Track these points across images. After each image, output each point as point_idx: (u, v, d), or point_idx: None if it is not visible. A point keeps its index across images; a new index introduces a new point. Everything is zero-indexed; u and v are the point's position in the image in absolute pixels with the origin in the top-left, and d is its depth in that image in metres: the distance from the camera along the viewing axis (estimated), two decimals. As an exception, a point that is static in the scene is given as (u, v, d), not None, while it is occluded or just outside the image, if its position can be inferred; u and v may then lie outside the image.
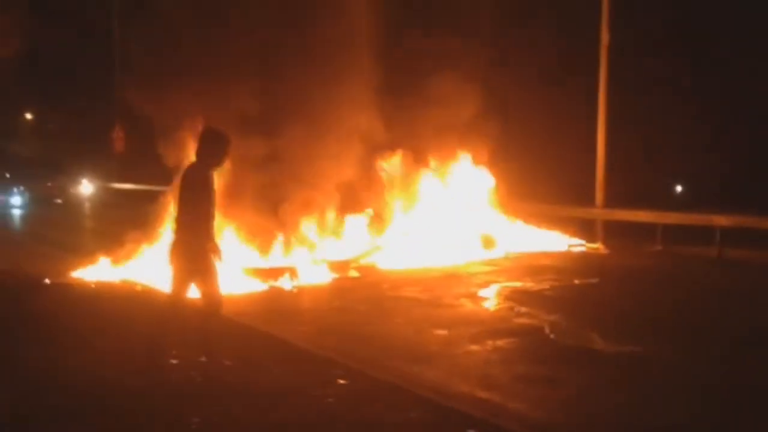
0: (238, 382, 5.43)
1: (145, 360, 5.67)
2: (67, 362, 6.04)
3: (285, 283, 11.17)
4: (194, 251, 5.62)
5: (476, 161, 16.63)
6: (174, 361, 6.04)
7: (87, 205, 33.08)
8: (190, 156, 5.98)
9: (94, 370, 5.83)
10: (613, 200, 17.07)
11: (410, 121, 15.84)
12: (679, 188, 48.18)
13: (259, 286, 11.02)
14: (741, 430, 5.05)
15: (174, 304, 5.80)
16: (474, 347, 7.44)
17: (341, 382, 5.60)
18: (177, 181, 5.93)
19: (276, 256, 12.77)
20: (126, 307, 8.41)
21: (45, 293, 9.26)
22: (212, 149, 5.67)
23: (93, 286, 9.90)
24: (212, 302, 5.74)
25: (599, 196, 16.73)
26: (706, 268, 13.44)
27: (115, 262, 11.74)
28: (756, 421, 5.23)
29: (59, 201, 32.81)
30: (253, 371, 5.65)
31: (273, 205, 12.88)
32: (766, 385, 6.13)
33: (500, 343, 7.59)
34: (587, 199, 17.44)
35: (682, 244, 15.32)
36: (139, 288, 9.74)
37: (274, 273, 11.49)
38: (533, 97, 20.79)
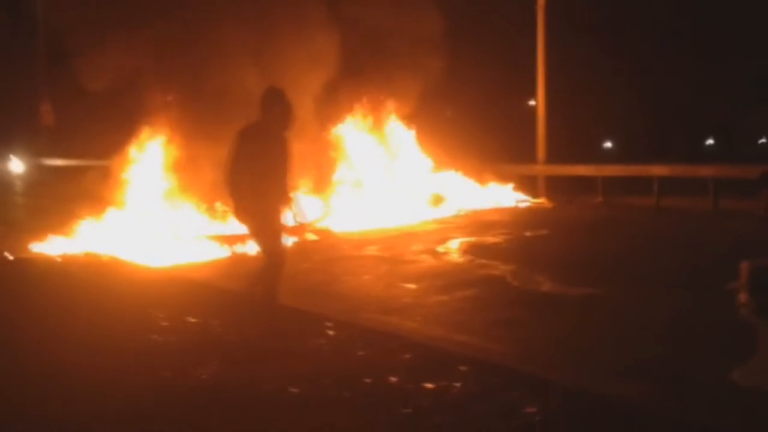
0: (235, 340, 5.64)
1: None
2: (65, 334, 6.15)
3: (247, 249, 11.37)
4: (269, 209, 5.65)
5: (422, 123, 17.01)
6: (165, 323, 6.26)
7: (18, 182, 32.18)
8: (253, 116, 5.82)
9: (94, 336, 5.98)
10: (552, 158, 17.75)
11: (355, 85, 16.12)
12: (608, 144, 49.86)
13: (221, 252, 11.21)
14: (687, 360, 5.53)
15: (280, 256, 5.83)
16: (443, 298, 7.83)
17: (331, 333, 5.91)
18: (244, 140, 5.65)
19: (234, 223, 12.95)
20: (102, 277, 8.50)
21: (13, 269, 9.23)
22: (280, 110, 5.64)
23: (59, 260, 9.90)
24: (279, 259, 5.83)
25: (541, 153, 17.38)
26: (645, 216, 14.21)
27: (71, 235, 11.74)
28: (698, 353, 5.73)
29: None
30: (249, 329, 5.86)
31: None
32: (707, 319, 6.68)
33: (467, 292, 8.01)
34: (529, 158, 18.08)
35: (621, 195, 16.10)
36: (105, 259, 9.80)
37: (235, 239, 11.66)
38: (475, 59, 21.22)
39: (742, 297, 4.84)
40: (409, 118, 16.93)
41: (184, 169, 13.64)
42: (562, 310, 7.18)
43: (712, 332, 6.11)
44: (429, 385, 4.62)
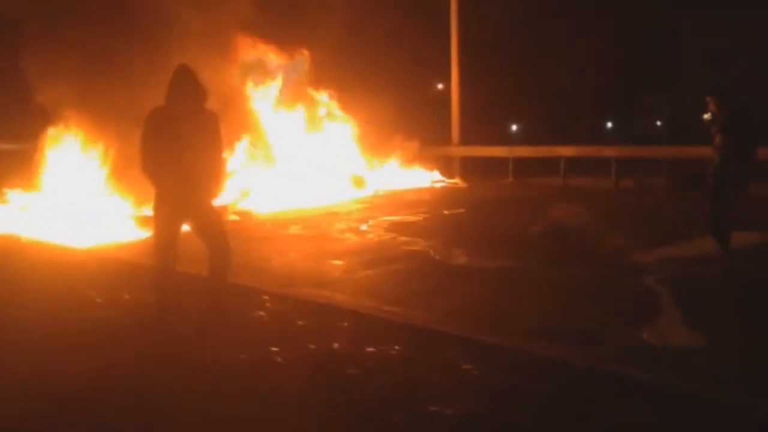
0: (174, 314, 5.79)
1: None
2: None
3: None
4: (195, 197, 5.44)
5: (339, 104, 17.24)
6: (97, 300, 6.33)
7: None
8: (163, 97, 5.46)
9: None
10: (463, 140, 18.34)
11: (271, 65, 16.18)
12: (514, 127, 51.49)
13: (142, 233, 11.16)
14: (598, 323, 6.08)
15: (165, 257, 5.57)
16: (370, 272, 8.15)
17: (269, 305, 6.14)
18: (157, 124, 5.37)
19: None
20: (27, 258, 8.41)
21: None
22: (198, 89, 5.42)
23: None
24: (223, 251, 5.68)
25: (455, 134, 17.93)
26: (553, 194, 14.93)
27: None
28: (607, 316, 6.29)
29: None
30: (188, 305, 6.00)
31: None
32: (613, 287, 7.30)
33: (392, 267, 8.36)
34: (438, 139, 18.62)
35: (531, 176, 16.85)
36: (24, 240, 9.64)
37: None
38: (392, 41, 21.56)
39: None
40: (326, 99, 17.14)
41: (99, 151, 13.44)
42: (480, 280, 7.60)
43: (618, 297, 6.70)
44: (370, 349, 4.96)
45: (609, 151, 15.32)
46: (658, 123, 56.23)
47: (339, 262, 8.72)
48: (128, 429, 3.90)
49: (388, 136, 18.27)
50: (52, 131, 13.47)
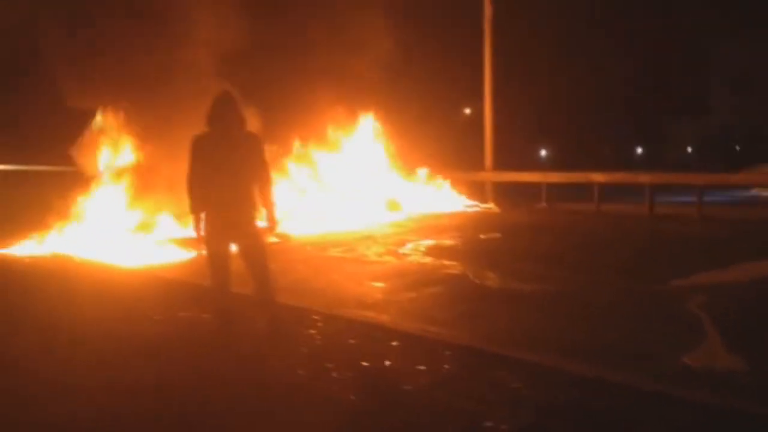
0: (234, 336, 5.99)
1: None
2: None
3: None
4: (241, 219, 5.58)
5: (374, 130, 17.54)
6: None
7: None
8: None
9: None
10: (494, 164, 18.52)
11: (308, 92, 16.53)
12: (543, 152, 51.59)
13: (183, 254, 11.46)
14: (640, 345, 6.21)
15: (222, 293, 5.71)
16: (412, 294, 8.32)
17: (320, 324, 6.36)
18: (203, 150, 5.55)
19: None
20: (81, 276, 8.73)
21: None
22: (238, 113, 5.59)
23: (27, 260, 10.04)
24: (263, 273, 5.77)
25: (488, 160, 18.12)
26: (588, 220, 15.07)
27: (31, 239, 11.86)
28: (648, 339, 6.42)
29: None
30: (243, 324, 6.22)
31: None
32: (654, 310, 7.42)
33: (433, 289, 8.54)
34: (472, 165, 18.83)
35: (564, 201, 16.97)
36: (77, 260, 9.98)
37: (196, 242, 11.93)
38: (426, 71, 21.88)
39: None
40: (359, 126, 17.45)
41: (142, 174, 13.83)
42: (522, 303, 7.75)
43: (658, 320, 6.82)
44: (421, 367, 5.14)
45: (644, 178, 15.42)
46: (689, 149, 56.06)
47: (380, 284, 8.92)
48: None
49: (420, 161, 18.51)
50: (97, 154, 13.91)
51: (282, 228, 14.07)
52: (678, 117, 53.12)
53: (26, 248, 11.22)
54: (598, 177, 15.95)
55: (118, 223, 12.44)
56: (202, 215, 5.60)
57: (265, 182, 5.66)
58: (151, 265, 10.18)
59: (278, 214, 5.83)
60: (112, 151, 14.31)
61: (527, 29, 26.60)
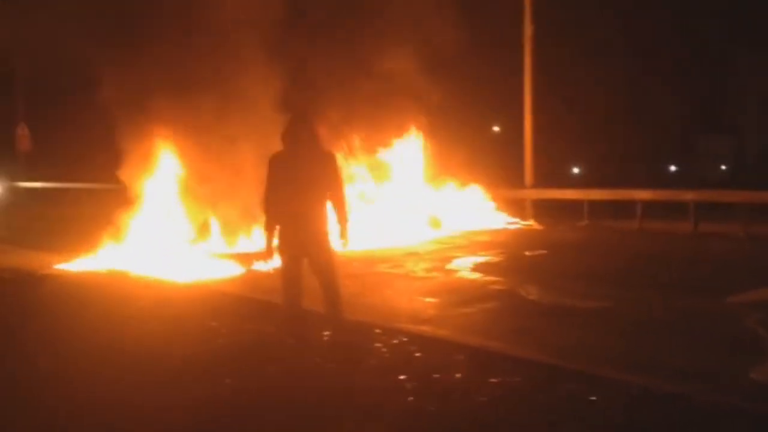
0: (304, 349, 6.08)
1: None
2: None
3: (260, 266, 11.84)
4: (314, 235, 5.72)
5: (414, 146, 17.65)
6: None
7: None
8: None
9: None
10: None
11: (351, 111, 16.72)
12: (576, 170, 51.38)
13: (235, 269, 11.66)
14: (704, 362, 6.21)
15: (294, 306, 5.87)
16: (466, 310, 8.39)
17: (384, 338, 6.46)
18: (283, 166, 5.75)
19: (240, 243, 13.45)
20: (140, 292, 8.93)
21: (50, 285, 9.58)
22: (313, 132, 5.77)
23: (84, 276, 10.29)
24: (333, 288, 5.92)
25: (528, 177, 18.18)
26: (631, 237, 15.05)
27: (87, 254, 12.13)
28: (709, 354, 6.43)
29: None
30: (312, 338, 6.34)
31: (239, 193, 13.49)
32: (711, 326, 7.40)
33: (487, 305, 8.61)
34: (507, 181, 18.89)
35: (605, 218, 16.95)
36: (132, 276, 10.21)
37: (249, 257, 12.14)
38: (466, 88, 22.02)
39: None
40: (398, 142, 17.58)
41: (190, 189, 14.04)
42: (578, 319, 7.80)
43: (718, 336, 6.83)
44: (493, 380, 5.22)
45: (688, 195, 15.35)
46: (723, 167, 55.48)
47: (433, 300, 9.01)
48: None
49: (459, 176, 18.54)
50: (146, 171, 14.14)
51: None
52: (712, 135, 52.66)
53: (82, 264, 11.47)
54: (641, 194, 15.92)
55: (170, 238, 12.65)
56: (276, 230, 5.75)
57: (339, 199, 5.81)
58: (206, 280, 10.38)
59: (350, 231, 5.97)
60: (161, 166, 14.52)
61: (564, 48, 26.67)
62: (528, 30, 17.95)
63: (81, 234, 13.40)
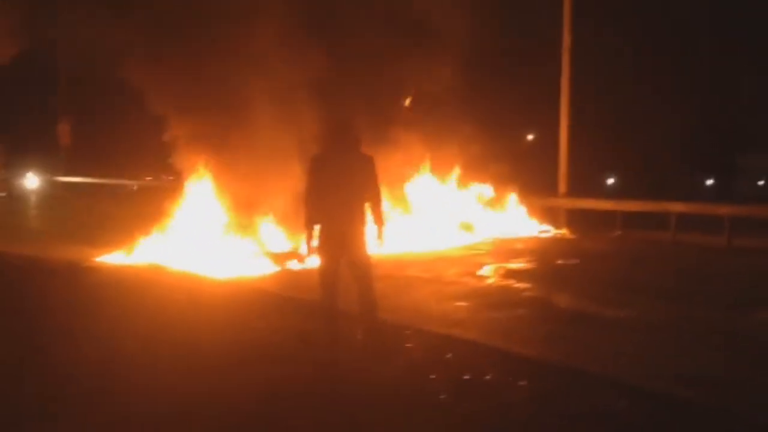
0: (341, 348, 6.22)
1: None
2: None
3: (295, 265, 12.06)
4: (352, 236, 5.90)
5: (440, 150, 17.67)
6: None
7: (34, 198, 32.85)
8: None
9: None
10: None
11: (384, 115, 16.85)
12: (611, 180, 50.99)
13: (270, 267, 11.89)
14: (733, 370, 6.26)
15: (329, 291, 6.00)
16: (495, 315, 8.46)
17: (414, 339, 6.60)
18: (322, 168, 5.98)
19: (274, 243, 13.66)
20: (176, 287, 9.18)
21: (90, 276, 9.88)
22: (354, 135, 5.99)
23: (124, 269, 10.58)
24: (369, 289, 6.10)
25: (562, 186, 18.17)
26: (664, 249, 14.98)
27: (127, 248, 12.46)
28: (741, 364, 6.45)
29: (3, 194, 32.42)
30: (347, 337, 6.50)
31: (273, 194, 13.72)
32: (742, 336, 7.42)
33: (516, 311, 8.66)
34: (539, 189, 18.89)
35: (638, 229, 16.89)
36: (169, 271, 10.48)
37: (283, 257, 12.37)
38: (502, 96, 22.06)
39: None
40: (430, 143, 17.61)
41: (227, 187, 14.28)
42: (607, 328, 7.80)
43: (756, 350, 6.85)
44: (522, 383, 5.32)
45: (723, 210, 15.24)
46: (760, 182, 54.63)
47: (462, 304, 9.09)
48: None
49: (493, 184, 18.57)
50: (184, 167, 14.42)
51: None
52: (752, 153, 51.87)
53: (122, 258, 11.79)
54: (675, 206, 15.82)
55: (209, 235, 12.91)
56: (315, 230, 5.91)
57: (376, 202, 5.99)
58: (242, 277, 10.61)
59: (386, 233, 6.12)
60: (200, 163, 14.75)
61: (601, 58, 26.54)
62: (567, 40, 17.96)
63: (120, 229, 13.79)
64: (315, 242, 5.98)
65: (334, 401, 4.96)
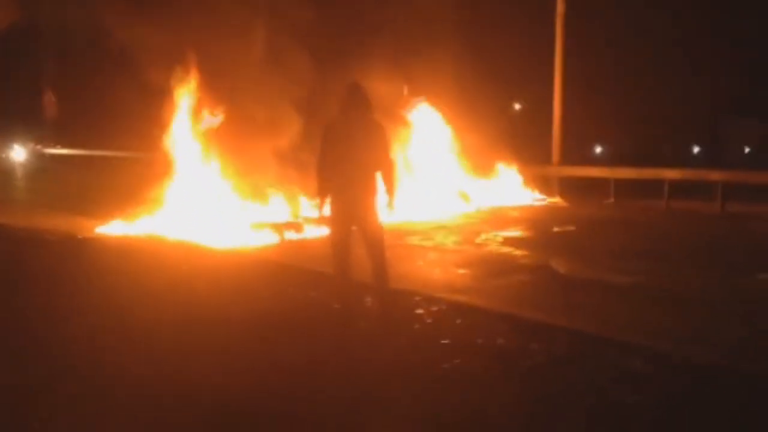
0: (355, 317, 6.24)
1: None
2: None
3: (292, 236, 12.08)
4: (363, 202, 5.92)
5: (441, 119, 17.72)
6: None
7: (21, 170, 32.62)
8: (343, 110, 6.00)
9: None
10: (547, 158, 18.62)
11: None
12: (598, 149, 51.15)
13: (269, 237, 11.89)
14: (718, 333, 6.38)
15: (341, 259, 6.05)
16: (499, 281, 8.52)
17: (424, 306, 6.67)
18: (335, 134, 5.94)
19: (271, 212, 13.64)
20: (180, 258, 9.18)
21: (90, 248, 9.85)
22: (366, 102, 5.96)
23: (124, 240, 10.56)
24: (381, 257, 6.11)
25: (555, 155, 18.25)
26: (658, 216, 15.14)
27: (124, 219, 12.40)
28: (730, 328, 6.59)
29: None
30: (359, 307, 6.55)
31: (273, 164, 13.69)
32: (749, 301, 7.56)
33: (520, 278, 8.74)
34: (532, 158, 18.97)
35: (631, 197, 17.03)
36: (171, 241, 10.47)
37: (281, 227, 12.37)
38: (495, 66, 22.01)
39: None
40: (426, 114, 17.64)
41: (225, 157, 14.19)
42: (611, 294, 7.88)
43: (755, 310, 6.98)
44: (535, 346, 5.41)
45: (715, 176, 15.39)
46: (747, 149, 54.97)
47: (465, 271, 9.17)
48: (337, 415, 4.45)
49: (484, 152, 18.61)
50: (182, 136, 14.29)
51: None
52: (738, 118, 52.14)
53: (121, 228, 11.73)
54: (669, 173, 15.97)
55: (205, 205, 12.86)
56: (327, 198, 5.93)
57: (388, 169, 5.98)
58: (244, 248, 10.63)
59: (397, 201, 6.13)
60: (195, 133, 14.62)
61: (591, 26, 26.50)
62: (560, 7, 17.90)
63: (113, 200, 13.72)
64: (326, 211, 6.00)
65: (353, 370, 5.00)
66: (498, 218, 14.28)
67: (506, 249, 10.88)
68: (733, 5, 41.70)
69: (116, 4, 13.88)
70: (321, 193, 5.96)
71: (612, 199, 16.86)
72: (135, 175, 16.28)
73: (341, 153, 5.85)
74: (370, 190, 5.94)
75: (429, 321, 6.20)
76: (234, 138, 13.93)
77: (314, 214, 6.23)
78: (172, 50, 13.71)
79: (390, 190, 6.04)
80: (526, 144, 21.35)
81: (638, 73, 40.10)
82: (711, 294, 7.76)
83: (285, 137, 13.78)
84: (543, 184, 18.16)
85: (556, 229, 12.75)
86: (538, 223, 13.54)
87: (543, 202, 17.04)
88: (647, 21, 36.99)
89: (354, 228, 6.03)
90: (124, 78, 15.30)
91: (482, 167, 17.89)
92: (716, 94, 46.96)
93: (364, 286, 6.36)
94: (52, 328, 5.83)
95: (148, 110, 15.09)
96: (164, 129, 14.45)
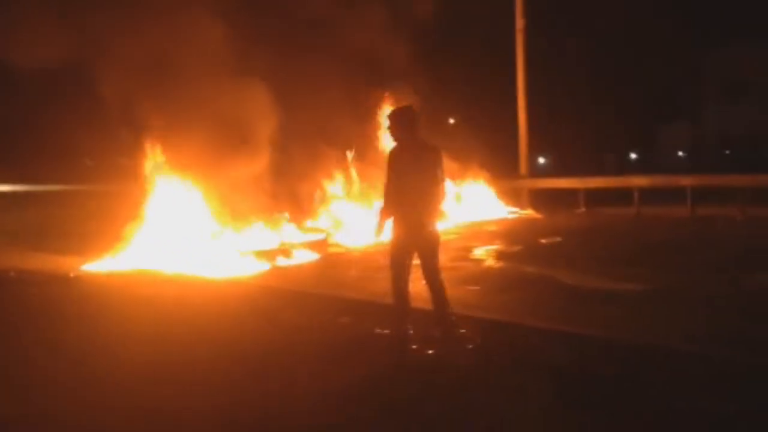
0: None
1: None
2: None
3: (282, 262, 11.89)
4: (423, 226, 5.92)
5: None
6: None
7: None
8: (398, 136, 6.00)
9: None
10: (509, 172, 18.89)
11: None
12: (541, 160, 52.20)
13: (260, 265, 11.65)
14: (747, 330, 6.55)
15: (400, 284, 6.07)
16: (508, 296, 8.51)
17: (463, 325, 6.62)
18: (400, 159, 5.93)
19: (257, 239, 13.39)
20: (176, 290, 8.91)
21: (82, 286, 9.48)
22: (420, 126, 5.98)
23: (120, 277, 10.19)
24: (440, 282, 6.15)
25: (523, 167, 18.50)
26: (631, 222, 15.50)
27: (109, 254, 11.96)
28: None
29: None
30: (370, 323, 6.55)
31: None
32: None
33: (528, 291, 8.77)
34: (498, 171, 19.22)
35: (599, 205, 17.38)
36: (168, 275, 10.15)
37: (270, 254, 12.16)
38: (459, 81, 22.21)
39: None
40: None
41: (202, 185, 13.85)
42: (626, 301, 7.99)
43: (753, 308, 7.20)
44: (594, 363, 5.42)
45: (685, 181, 15.86)
46: (680, 153, 56.77)
47: (474, 287, 9.10)
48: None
49: (455, 167, 18.69)
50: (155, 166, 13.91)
51: (336, 238, 14.38)
52: (670, 123, 53.81)
53: (107, 265, 11.31)
54: (638, 181, 16.38)
55: (186, 235, 12.54)
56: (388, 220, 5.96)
57: (440, 192, 5.98)
58: (239, 276, 10.39)
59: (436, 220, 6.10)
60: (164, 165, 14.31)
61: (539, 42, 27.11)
62: (519, 23, 18.24)
63: (82, 236, 13.23)
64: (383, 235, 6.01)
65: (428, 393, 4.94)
66: (480, 233, 14.36)
67: (503, 263, 10.95)
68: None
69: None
70: (384, 215, 5.97)
71: (583, 209, 17.18)
72: (90, 209, 15.78)
73: (404, 177, 5.85)
74: (428, 212, 5.94)
75: (478, 340, 6.15)
76: (207, 166, 13.63)
77: (371, 238, 6.14)
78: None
79: (436, 211, 6.04)
80: (485, 158, 21.59)
81: (578, 88, 41.10)
82: (713, 295, 7.94)
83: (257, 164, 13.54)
84: (513, 196, 18.38)
85: (543, 241, 12.91)
86: (521, 235, 13.67)
87: (516, 215, 17.23)
88: (583, 32, 37.97)
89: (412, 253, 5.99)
90: (64, 109, 14.85)
91: (454, 181, 17.98)
92: (648, 101, 48.48)
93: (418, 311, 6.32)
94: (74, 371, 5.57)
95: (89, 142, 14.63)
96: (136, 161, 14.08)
